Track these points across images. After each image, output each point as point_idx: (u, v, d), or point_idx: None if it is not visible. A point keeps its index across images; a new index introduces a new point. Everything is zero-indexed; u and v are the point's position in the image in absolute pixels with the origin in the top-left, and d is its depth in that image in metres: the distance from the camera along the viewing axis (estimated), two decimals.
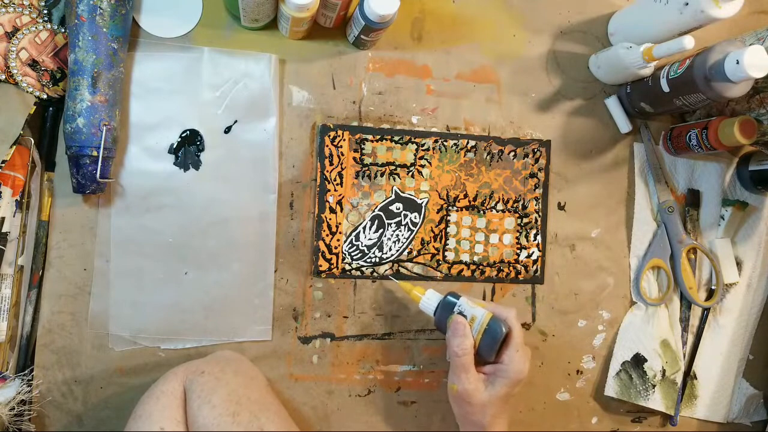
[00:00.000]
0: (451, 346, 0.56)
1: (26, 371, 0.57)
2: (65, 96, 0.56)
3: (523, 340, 0.57)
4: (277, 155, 0.63)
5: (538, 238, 0.69)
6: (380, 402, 0.66)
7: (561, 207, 0.70)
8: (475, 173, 0.68)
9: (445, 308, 0.58)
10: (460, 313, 0.57)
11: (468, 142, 0.68)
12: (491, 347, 0.55)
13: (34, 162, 0.58)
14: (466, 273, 0.68)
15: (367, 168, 0.65)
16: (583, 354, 0.71)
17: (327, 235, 0.65)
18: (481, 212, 0.68)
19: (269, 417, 0.53)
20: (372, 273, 0.66)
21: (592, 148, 0.71)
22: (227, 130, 0.62)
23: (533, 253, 0.69)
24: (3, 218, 0.55)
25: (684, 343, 0.73)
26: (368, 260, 0.65)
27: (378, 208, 0.66)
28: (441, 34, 0.67)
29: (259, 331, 0.63)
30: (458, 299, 0.58)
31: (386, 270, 0.66)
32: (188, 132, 0.61)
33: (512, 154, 0.69)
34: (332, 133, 0.65)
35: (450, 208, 0.67)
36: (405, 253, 0.66)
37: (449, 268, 0.67)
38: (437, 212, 0.67)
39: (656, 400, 0.71)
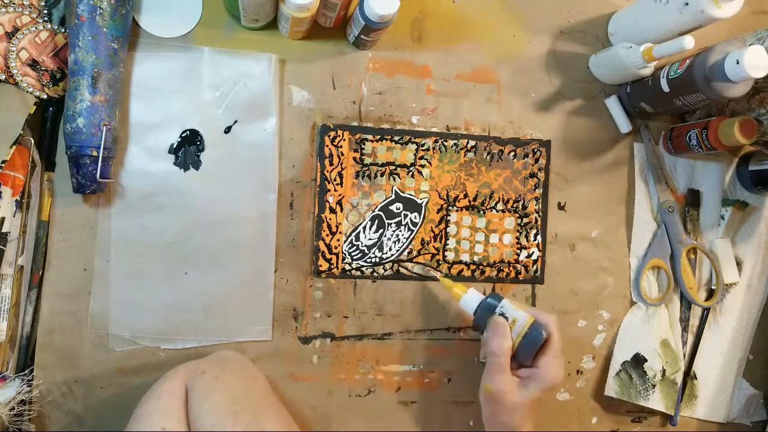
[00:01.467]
0: (489, 346, 0.56)
1: (26, 371, 0.57)
2: (65, 96, 0.56)
3: (561, 347, 0.57)
4: (277, 155, 0.63)
5: (538, 238, 0.69)
6: (380, 402, 0.66)
7: (561, 207, 0.70)
8: (475, 173, 0.68)
9: (486, 309, 0.58)
10: (502, 314, 0.57)
11: (468, 142, 0.68)
12: (529, 351, 0.55)
13: (34, 162, 0.58)
14: (466, 273, 0.68)
15: (367, 168, 0.65)
16: (583, 354, 0.71)
17: (327, 235, 0.65)
18: (481, 212, 0.68)
19: (270, 417, 0.53)
20: (372, 273, 0.66)
21: (592, 148, 0.71)
22: (227, 130, 0.62)
23: (533, 253, 0.69)
24: (3, 218, 0.55)
25: (684, 343, 0.73)
26: (368, 260, 0.65)
27: (378, 208, 0.66)
28: (441, 34, 0.67)
29: (259, 331, 0.63)
30: (500, 301, 0.58)
31: (425, 267, 0.66)
32: (188, 132, 0.61)
33: (512, 154, 0.69)
34: (332, 133, 0.65)
35: (450, 208, 0.67)
36: (405, 253, 0.66)
37: (449, 268, 0.67)
38: (437, 212, 0.67)
39: (656, 400, 0.71)
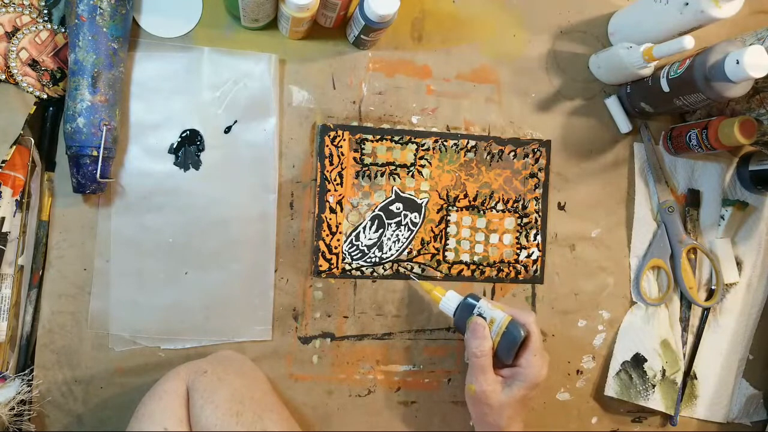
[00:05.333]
0: (469, 347, 0.56)
1: (26, 371, 0.57)
2: (65, 96, 0.56)
3: (542, 344, 0.57)
4: (277, 155, 0.63)
5: (538, 238, 0.69)
6: (380, 402, 0.66)
7: (561, 207, 0.70)
8: (475, 173, 0.68)
9: (465, 310, 0.58)
10: (480, 314, 0.57)
11: (468, 142, 0.68)
12: (509, 350, 0.56)
13: (34, 162, 0.58)
14: (466, 273, 0.68)
15: (367, 168, 0.65)
16: (583, 354, 0.71)
17: (327, 235, 0.65)
18: (481, 212, 0.68)
19: (272, 417, 0.53)
20: (372, 273, 0.66)
21: (592, 148, 0.71)
22: (227, 130, 0.62)
23: (533, 253, 0.69)
24: (3, 218, 0.55)
25: (684, 343, 0.73)
26: (368, 260, 0.65)
27: (378, 208, 0.66)
28: (441, 34, 0.67)
29: (259, 331, 0.63)
30: (478, 301, 0.58)
31: (403, 270, 0.66)
32: (188, 132, 0.61)
33: (512, 154, 0.69)
34: (332, 133, 0.65)
35: (450, 208, 0.67)
36: (405, 253, 0.66)
37: (449, 268, 0.67)
38: (437, 212, 0.67)
39: (656, 400, 0.71)
